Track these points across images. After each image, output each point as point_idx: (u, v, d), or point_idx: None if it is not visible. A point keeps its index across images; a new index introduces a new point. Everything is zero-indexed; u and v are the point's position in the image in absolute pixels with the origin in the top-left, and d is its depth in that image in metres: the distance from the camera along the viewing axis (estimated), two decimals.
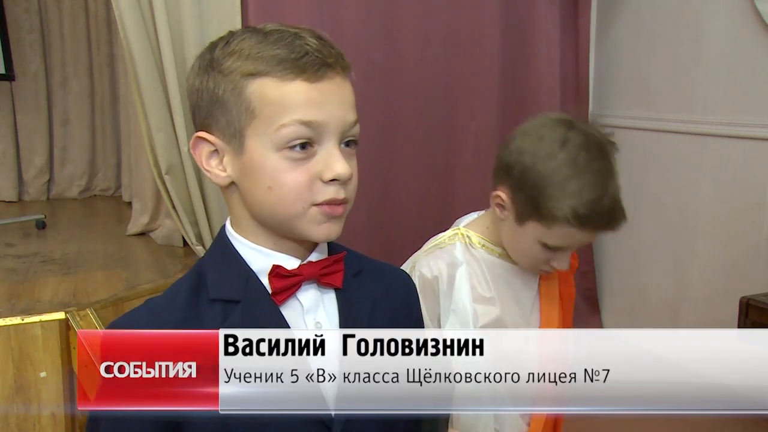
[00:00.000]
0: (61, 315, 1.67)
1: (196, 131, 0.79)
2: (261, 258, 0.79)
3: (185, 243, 2.43)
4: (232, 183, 0.78)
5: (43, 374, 1.67)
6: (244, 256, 0.80)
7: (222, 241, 0.82)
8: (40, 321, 1.67)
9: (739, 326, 1.92)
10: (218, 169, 0.78)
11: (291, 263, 0.79)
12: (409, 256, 1.28)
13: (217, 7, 2.16)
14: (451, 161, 2.65)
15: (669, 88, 2.61)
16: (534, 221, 1.10)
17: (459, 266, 1.18)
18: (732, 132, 2.37)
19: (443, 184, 2.66)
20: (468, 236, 1.22)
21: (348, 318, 0.80)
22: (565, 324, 1.26)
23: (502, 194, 1.14)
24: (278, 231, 0.79)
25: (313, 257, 0.81)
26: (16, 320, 1.66)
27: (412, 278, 1.20)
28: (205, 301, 0.77)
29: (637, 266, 2.82)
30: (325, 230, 0.77)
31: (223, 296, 0.77)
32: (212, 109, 0.76)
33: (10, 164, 3.56)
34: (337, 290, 0.81)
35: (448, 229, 1.27)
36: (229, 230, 0.82)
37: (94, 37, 3.72)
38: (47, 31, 3.61)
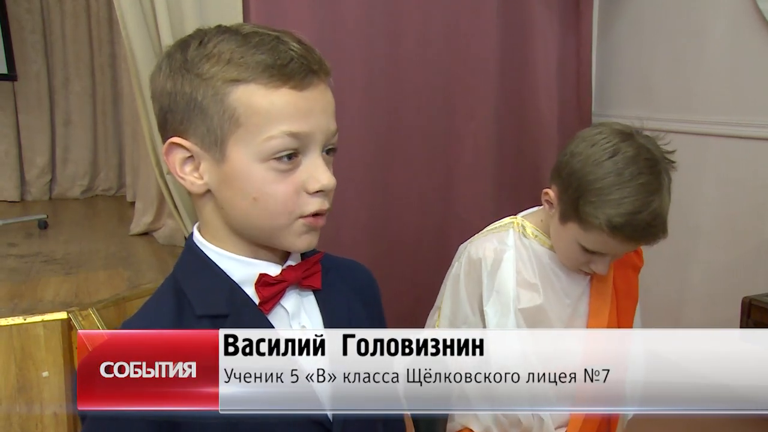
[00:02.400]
0: (63, 315, 1.67)
1: (167, 135, 0.75)
2: (242, 267, 0.77)
3: None
4: (208, 191, 0.76)
5: (45, 374, 1.67)
6: (222, 267, 0.77)
7: (194, 252, 0.79)
8: (43, 321, 1.67)
9: (742, 326, 1.92)
10: (193, 177, 0.75)
11: (273, 270, 0.78)
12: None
13: (219, 7, 2.16)
14: (450, 160, 2.64)
15: (671, 87, 2.61)
16: (573, 223, 1.15)
17: (507, 250, 1.24)
18: (734, 132, 2.36)
19: (443, 183, 2.65)
20: (523, 226, 1.28)
21: (329, 317, 0.80)
22: (619, 323, 1.28)
23: (551, 192, 1.20)
24: (256, 240, 0.77)
25: (291, 261, 0.80)
26: (18, 320, 1.66)
27: (462, 258, 1.28)
28: (192, 319, 0.75)
29: None
30: (306, 241, 0.76)
31: (211, 312, 0.75)
32: (189, 114, 0.72)
33: (12, 164, 3.55)
34: (315, 291, 0.81)
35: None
36: (200, 240, 0.79)
37: (96, 37, 3.72)
38: (49, 31, 3.61)
